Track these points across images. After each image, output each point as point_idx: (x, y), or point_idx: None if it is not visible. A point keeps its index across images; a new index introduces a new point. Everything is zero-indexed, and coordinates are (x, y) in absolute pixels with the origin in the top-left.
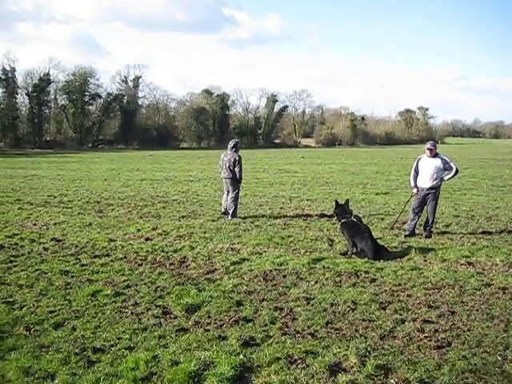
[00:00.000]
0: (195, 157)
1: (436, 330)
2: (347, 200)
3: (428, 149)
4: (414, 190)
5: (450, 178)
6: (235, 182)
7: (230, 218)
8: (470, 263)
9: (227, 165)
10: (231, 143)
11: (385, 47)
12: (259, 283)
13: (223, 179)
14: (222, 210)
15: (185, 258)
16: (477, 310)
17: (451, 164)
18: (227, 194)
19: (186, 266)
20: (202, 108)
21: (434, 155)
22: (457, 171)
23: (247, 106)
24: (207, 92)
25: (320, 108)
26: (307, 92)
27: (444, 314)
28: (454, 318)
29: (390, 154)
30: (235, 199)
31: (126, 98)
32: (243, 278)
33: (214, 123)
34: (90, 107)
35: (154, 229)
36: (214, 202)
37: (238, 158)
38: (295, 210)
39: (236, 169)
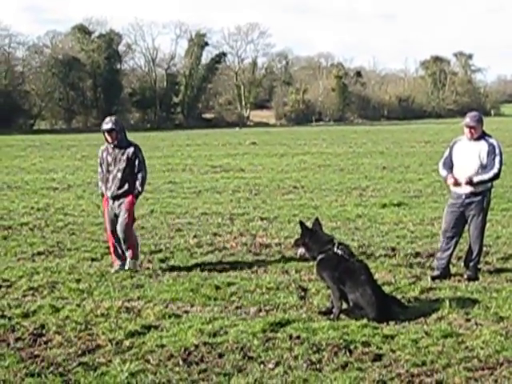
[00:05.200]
0: (62, 146)
1: None
2: (317, 220)
3: (467, 126)
4: (450, 180)
5: (481, 182)
6: (128, 196)
7: (127, 265)
8: None
9: (118, 167)
10: (111, 123)
11: None
12: (176, 369)
13: (110, 200)
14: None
15: (42, 327)
16: None
17: (495, 159)
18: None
19: (46, 343)
20: (72, 59)
21: (479, 137)
22: (496, 176)
23: (154, 54)
24: (82, 30)
25: (283, 57)
26: (259, 28)
27: None
28: None
29: (406, 136)
30: (130, 229)
31: None
32: (148, 362)
33: (96, 86)
34: None
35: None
36: (95, 226)
37: (135, 150)
38: (240, 238)
39: (136, 170)
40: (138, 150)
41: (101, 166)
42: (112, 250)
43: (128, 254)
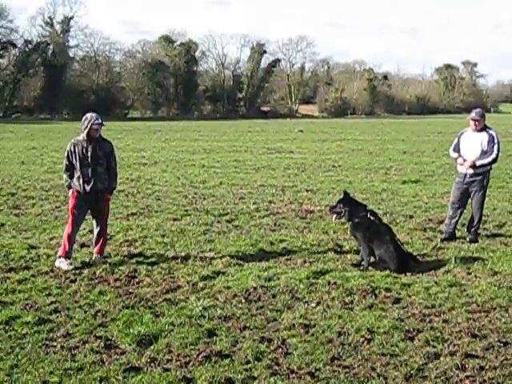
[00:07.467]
0: (150, 131)
1: (482, 368)
2: (345, 192)
3: (472, 119)
4: (460, 160)
5: (482, 165)
6: (106, 193)
7: (97, 258)
8: None
9: (98, 162)
10: (92, 120)
11: None
12: (239, 306)
13: (82, 196)
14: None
15: (135, 271)
16: None
17: (494, 147)
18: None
19: (138, 283)
20: (159, 62)
21: (481, 129)
22: (494, 160)
23: (223, 59)
24: (166, 40)
25: (325, 63)
26: (307, 40)
27: (493, 346)
28: (507, 350)
29: (422, 128)
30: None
31: (51, 47)
32: (217, 299)
33: (177, 83)
34: (0, 60)
35: (92, 231)
36: (176, 193)
37: (112, 148)
38: (290, 205)
39: (112, 165)
40: (113, 147)
41: (68, 159)
42: (68, 245)
43: (96, 248)
